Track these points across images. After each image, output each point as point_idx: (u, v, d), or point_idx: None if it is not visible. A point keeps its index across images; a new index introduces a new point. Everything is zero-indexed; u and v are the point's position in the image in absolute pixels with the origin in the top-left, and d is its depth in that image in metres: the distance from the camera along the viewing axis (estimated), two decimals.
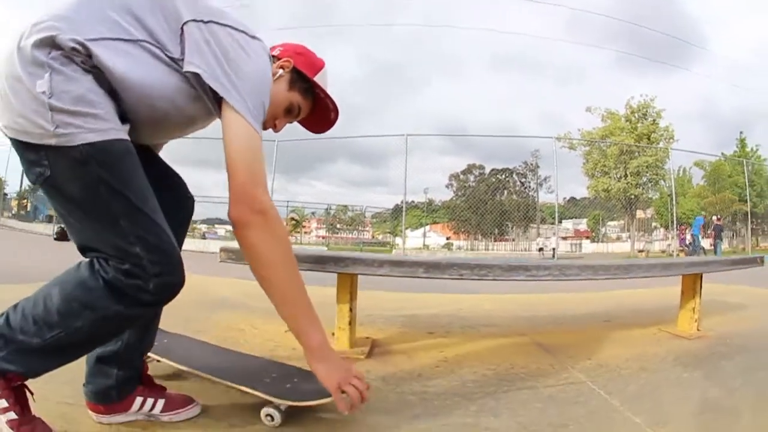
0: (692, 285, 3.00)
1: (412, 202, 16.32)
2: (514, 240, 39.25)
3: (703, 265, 3.17)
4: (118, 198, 1.11)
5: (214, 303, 3.55)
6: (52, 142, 1.06)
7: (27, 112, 1.06)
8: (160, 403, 1.43)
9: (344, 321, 2.36)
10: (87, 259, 1.17)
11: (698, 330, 2.98)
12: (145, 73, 1.16)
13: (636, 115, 29.58)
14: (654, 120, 29.28)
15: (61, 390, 1.48)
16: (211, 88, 1.20)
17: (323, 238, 38.08)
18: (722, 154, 35.87)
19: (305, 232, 39.21)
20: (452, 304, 4.08)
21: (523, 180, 43.23)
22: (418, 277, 2.12)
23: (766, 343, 2.82)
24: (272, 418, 1.43)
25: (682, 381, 2.09)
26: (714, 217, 23.79)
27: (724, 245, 22.13)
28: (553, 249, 24.86)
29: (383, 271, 2.13)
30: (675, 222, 22.03)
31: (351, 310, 2.37)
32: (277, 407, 1.43)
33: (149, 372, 1.53)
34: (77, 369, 1.24)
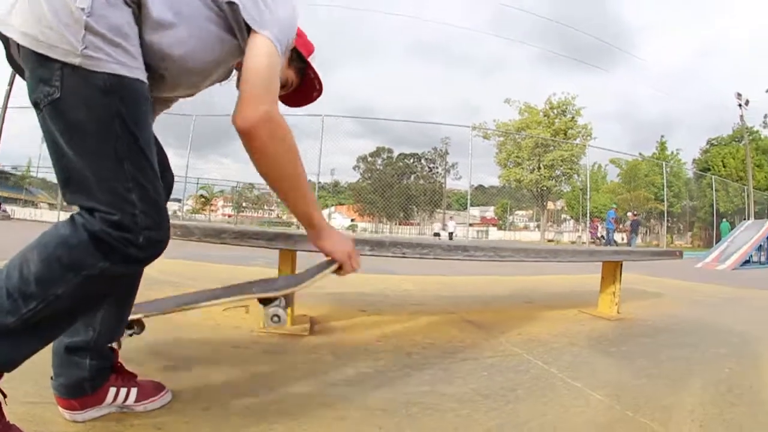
0: (613, 271, 3.32)
1: (319, 182, 16.41)
2: (419, 224, 40.37)
3: (626, 254, 3.52)
4: (129, 138, 1.07)
5: (144, 283, 3.42)
6: (76, 61, 1.01)
7: (59, 25, 1.01)
8: (134, 392, 1.37)
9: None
10: (67, 217, 1.10)
11: (618, 313, 3.30)
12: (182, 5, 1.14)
13: (555, 111, 31.09)
14: (573, 117, 30.94)
15: (21, 388, 1.33)
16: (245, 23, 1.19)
17: (229, 216, 37.24)
18: (640, 154, 38.62)
19: (212, 210, 38.22)
20: (375, 283, 4.23)
21: (431, 165, 44.56)
22: (364, 255, 2.20)
23: (682, 326, 3.21)
24: (279, 318, 1.43)
25: (611, 353, 2.34)
26: (629, 213, 25.57)
27: (638, 241, 23.94)
28: (450, 233, 25.74)
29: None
30: (588, 215, 23.53)
31: None
32: (279, 305, 1.44)
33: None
34: (34, 364, 1.09)
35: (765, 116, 41.65)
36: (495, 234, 46.53)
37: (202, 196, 39.16)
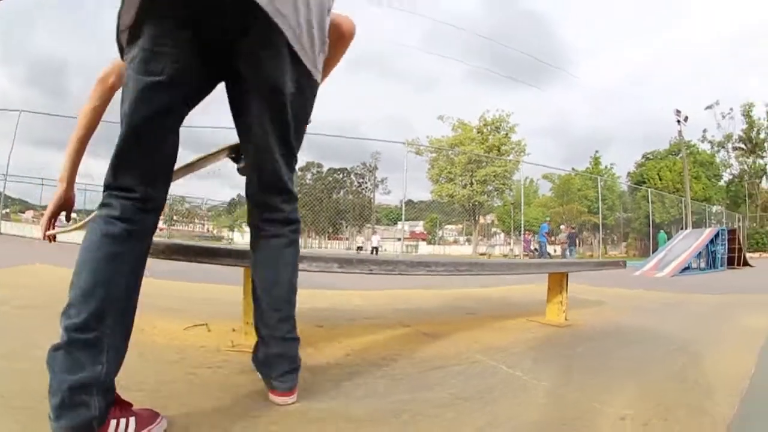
0: (559, 282, 3.58)
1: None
2: (348, 239, 40.45)
3: (575, 265, 3.77)
4: None
5: None
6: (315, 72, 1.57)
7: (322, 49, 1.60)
8: (132, 421, 1.30)
9: (252, 315, 2.44)
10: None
11: (566, 320, 3.55)
12: None
13: (489, 127, 32.00)
14: (506, 134, 31.93)
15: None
16: None
17: (161, 229, 36.22)
18: (573, 169, 40.36)
19: None
20: (324, 298, 4.31)
21: (360, 180, 44.75)
22: (333, 272, 2.26)
23: (628, 329, 3.55)
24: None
25: (568, 356, 2.58)
26: (562, 226, 26.53)
27: (575, 252, 24.82)
28: (375, 248, 25.97)
29: (301, 266, 2.16)
30: (522, 228, 24.35)
31: None
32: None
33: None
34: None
35: (704, 131, 45.80)
36: (424, 248, 47.29)
37: None
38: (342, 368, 2.14)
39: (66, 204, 1.84)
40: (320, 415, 1.56)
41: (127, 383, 1.63)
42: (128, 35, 1.36)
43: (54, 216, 1.84)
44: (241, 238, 16.87)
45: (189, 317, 2.91)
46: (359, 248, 27.99)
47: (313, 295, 4.39)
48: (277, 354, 1.64)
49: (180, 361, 2.09)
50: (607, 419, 1.61)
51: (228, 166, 1.96)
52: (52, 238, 1.90)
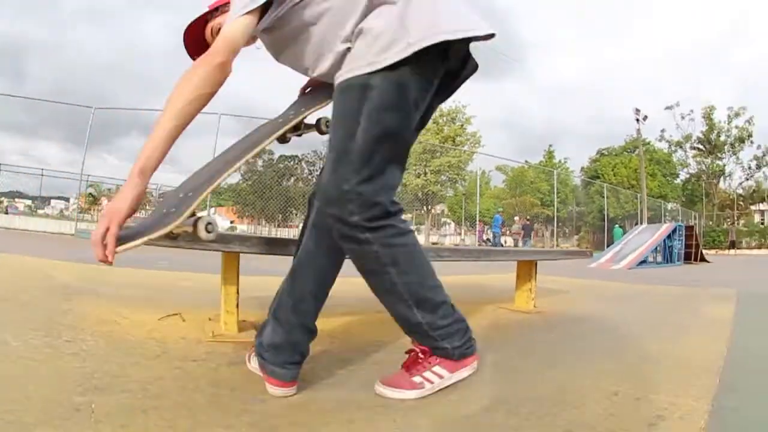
0: (528, 270, 3.72)
1: None
2: (297, 226, 40.51)
3: (544, 254, 3.90)
4: None
5: (64, 291, 3.25)
6: None
7: None
8: None
9: (232, 304, 2.41)
10: None
11: (535, 307, 3.70)
12: None
13: (445, 118, 32.21)
14: (462, 125, 32.20)
15: None
16: None
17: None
18: (526, 161, 41.15)
19: (98, 210, 36.06)
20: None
21: (311, 168, 44.84)
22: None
23: (596, 317, 3.75)
24: (213, 226, 1.54)
25: (546, 341, 2.75)
26: (516, 217, 27.00)
27: (530, 243, 25.42)
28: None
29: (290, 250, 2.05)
30: (477, 219, 24.67)
31: (238, 291, 2.42)
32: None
33: None
34: None
35: (662, 131, 47.89)
36: None
37: (90, 194, 36.64)
38: (332, 356, 2.15)
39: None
40: (328, 406, 1.55)
41: (111, 383, 1.59)
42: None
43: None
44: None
45: (161, 307, 2.84)
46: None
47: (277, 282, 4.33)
48: (293, 342, 1.67)
49: (162, 355, 2.02)
50: (602, 394, 1.73)
51: None
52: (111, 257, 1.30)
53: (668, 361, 2.30)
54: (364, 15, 1.55)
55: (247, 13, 1.48)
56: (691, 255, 16.95)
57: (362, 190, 1.49)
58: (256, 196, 29.87)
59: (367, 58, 1.49)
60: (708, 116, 45.04)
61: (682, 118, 46.07)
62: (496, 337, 2.71)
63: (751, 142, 43.20)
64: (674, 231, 15.79)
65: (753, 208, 46.48)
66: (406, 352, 1.77)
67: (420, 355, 1.71)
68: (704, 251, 18.37)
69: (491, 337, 2.65)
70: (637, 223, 24.12)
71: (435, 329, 1.68)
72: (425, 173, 30.64)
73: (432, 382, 1.67)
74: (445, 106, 33.20)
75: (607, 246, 19.18)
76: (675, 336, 3.01)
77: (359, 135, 1.49)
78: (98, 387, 1.54)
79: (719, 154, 45.31)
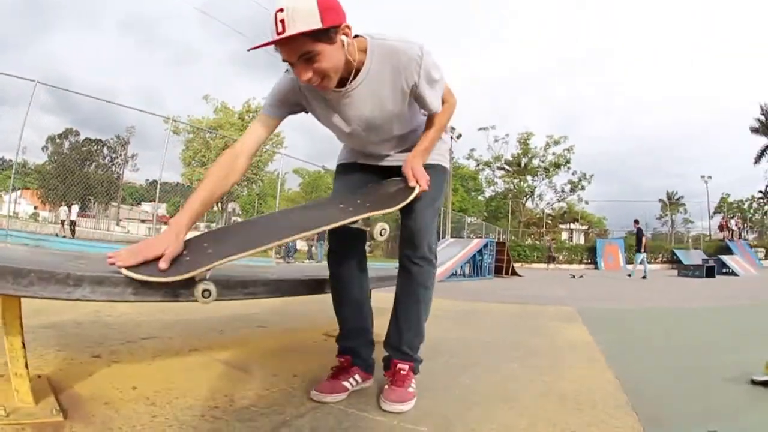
0: None
1: (9, 160, 13.93)
2: (95, 217, 38.27)
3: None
4: None
5: None
6: None
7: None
8: None
9: (20, 363, 1.62)
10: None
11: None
12: None
13: (251, 114, 31.58)
14: None
15: None
16: None
17: None
18: (323, 167, 41.53)
19: None
20: (78, 307, 3.55)
21: (113, 155, 42.70)
22: (126, 301, 1.60)
23: (442, 346, 3.30)
24: (210, 293, 1.59)
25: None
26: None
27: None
28: (72, 222, 23.60)
29: (79, 293, 1.49)
30: None
31: (24, 345, 1.63)
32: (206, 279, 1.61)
33: None
34: None
35: (472, 149, 51.70)
36: None
37: None
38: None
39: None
40: None
41: None
42: None
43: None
44: None
45: None
46: (64, 222, 24.62)
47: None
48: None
49: None
50: None
51: None
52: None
53: (570, 397, 2.18)
54: None
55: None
56: (502, 269, 18.02)
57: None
58: (58, 180, 28.23)
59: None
60: (524, 141, 49.18)
61: (496, 140, 49.95)
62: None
63: (568, 168, 47.94)
64: (485, 246, 16.63)
65: (563, 227, 52.24)
66: (389, 373, 2.14)
67: (405, 370, 2.12)
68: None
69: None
70: (440, 237, 25.08)
71: (420, 343, 2.25)
72: None
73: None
74: (254, 103, 32.54)
75: None
76: (553, 366, 2.86)
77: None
78: None
79: (528, 177, 49.82)
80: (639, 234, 18.21)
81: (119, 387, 1.99)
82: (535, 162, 48.48)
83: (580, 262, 36.00)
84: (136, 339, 2.88)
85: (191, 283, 1.58)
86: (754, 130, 44.38)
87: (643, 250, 18.07)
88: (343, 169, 2.39)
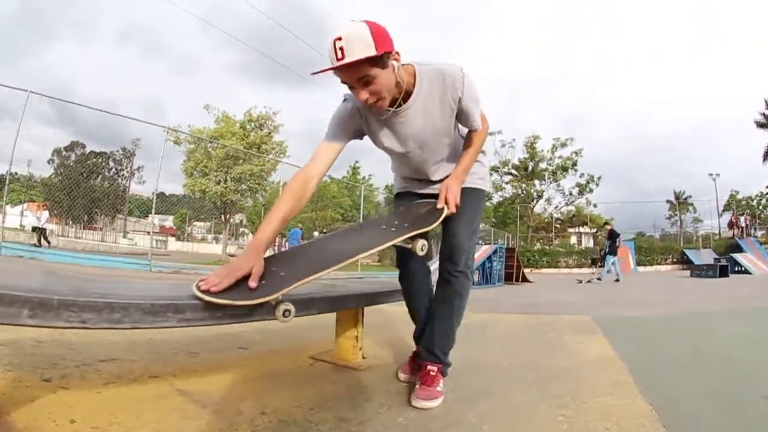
0: (354, 313, 2.94)
1: (15, 174, 13.78)
2: (102, 229, 38.73)
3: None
4: None
5: None
6: None
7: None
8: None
9: None
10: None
11: (364, 358, 2.97)
12: None
13: (252, 124, 31.41)
14: (269, 132, 31.51)
15: None
16: None
17: None
18: (330, 177, 41.52)
19: None
20: (20, 330, 3.18)
21: (119, 167, 43.44)
22: (22, 325, 1.29)
23: (478, 365, 3.09)
24: (290, 312, 1.72)
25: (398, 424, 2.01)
26: (315, 233, 27.12)
27: None
28: (42, 230, 22.71)
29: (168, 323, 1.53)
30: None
31: None
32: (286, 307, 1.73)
33: None
34: None
35: None
36: (174, 245, 48.52)
37: None
38: None
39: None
40: None
41: None
42: None
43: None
44: (2, 221, 13.34)
45: None
46: (35, 229, 23.65)
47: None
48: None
49: None
50: None
51: None
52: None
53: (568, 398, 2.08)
54: None
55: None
56: (512, 276, 17.35)
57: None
58: (64, 194, 28.67)
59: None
60: (531, 145, 48.25)
61: (503, 145, 48.91)
62: (334, 417, 2.01)
63: (575, 170, 46.51)
64: (495, 252, 16.13)
65: (571, 230, 51.25)
66: (420, 374, 2.33)
67: (434, 371, 2.31)
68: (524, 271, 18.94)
69: (331, 417, 1.97)
70: None
71: (450, 348, 2.45)
72: (225, 180, 29.08)
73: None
74: (255, 111, 32.46)
75: None
76: (574, 393, 2.47)
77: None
78: None
79: (536, 181, 48.85)
80: (613, 236, 17.48)
81: (57, 419, 1.81)
82: (543, 165, 47.88)
83: (591, 266, 35.77)
84: (94, 361, 2.61)
85: (267, 304, 1.68)
86: (760, 125, 43.77)
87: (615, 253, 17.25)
88: (399, 197, 2.68)
